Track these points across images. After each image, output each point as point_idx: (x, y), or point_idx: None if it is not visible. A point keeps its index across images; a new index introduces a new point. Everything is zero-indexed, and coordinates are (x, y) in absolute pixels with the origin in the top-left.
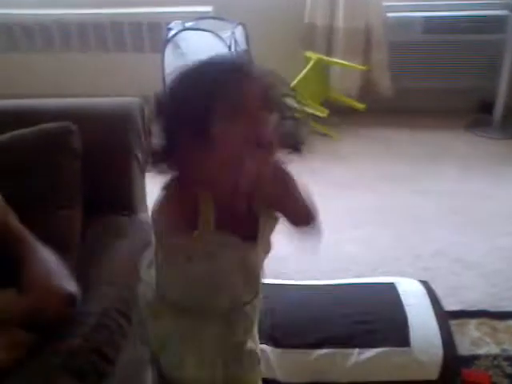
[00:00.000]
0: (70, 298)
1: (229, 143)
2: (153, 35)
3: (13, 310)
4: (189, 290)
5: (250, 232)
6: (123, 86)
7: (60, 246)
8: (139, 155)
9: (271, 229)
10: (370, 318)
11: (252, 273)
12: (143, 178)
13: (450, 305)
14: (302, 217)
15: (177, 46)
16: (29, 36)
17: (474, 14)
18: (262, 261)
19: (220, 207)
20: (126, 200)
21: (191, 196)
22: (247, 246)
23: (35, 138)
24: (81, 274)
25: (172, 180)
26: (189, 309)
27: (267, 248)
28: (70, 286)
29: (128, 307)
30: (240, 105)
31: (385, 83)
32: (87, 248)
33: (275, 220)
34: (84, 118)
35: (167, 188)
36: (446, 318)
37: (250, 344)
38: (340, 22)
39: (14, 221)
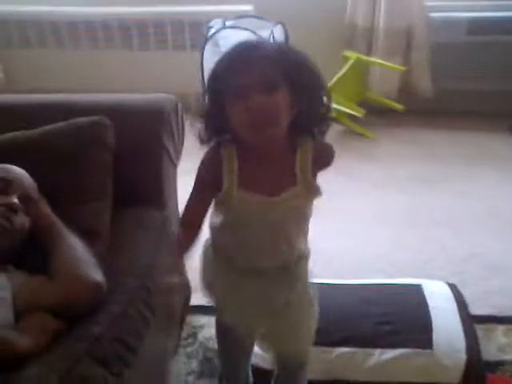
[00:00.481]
0: (96, 287)
1: (236, 111)
2: (194, 33)
3: (42, 297)
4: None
5: (276, 188)
6: (163, 83)
7: (89, 236)
8: (171, 151)
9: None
10: (393, 318)
11: (283, 228)
12: (174, 173)
13: (479, 309)
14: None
15: (216, 44)
16: (74, 33)
17: None
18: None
19: (244, 165)
20: (156, 194)
21: (217, 156)
22: (273, 201)
23: (69, 132)
24: (108, 264)
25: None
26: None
27: (311, 190)
28: (97, 274)
29: (152, 298)
30: (237, 89)
31: (424, 84)
32: (115, 239)
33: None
34: (118, 113)
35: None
36: (472, 322)
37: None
38: (381, 23)
39: (45, 209)
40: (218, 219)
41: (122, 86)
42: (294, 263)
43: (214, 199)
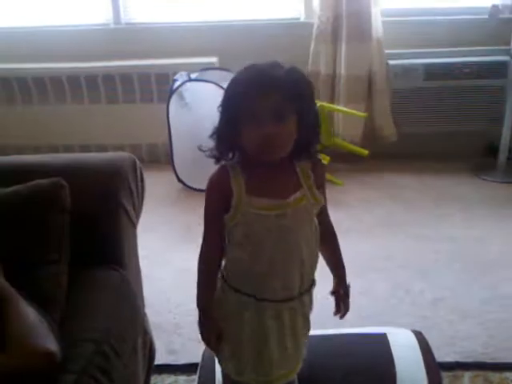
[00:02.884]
0: (50, 357)
1: (248, 132)
2: (161, 86)
3: None
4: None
5: (284, 193)
6: (132, 135)
7: (45, 302)
8: (130, 210)
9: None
10: (359, 370)
11: (297, 244)
12: (134, 232)
13: (445, 355)
14: (329, 227)
15: (181, 97)
16: (42, 89)
17: (474, 61)
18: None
19: (251, 177)
20: (114, 255)
21: (224, 174)
22: (284, 203)
23: (27, 194)
24: (63, 330)
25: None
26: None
27: (315, 192)
28: (51, 343)
29: (109, 363)
30: (251, 115)
31: (389, 129)
32: (72, 302)
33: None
34: (75, 173)
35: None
36: (437, 370)
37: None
38: (342, 70)
39: None
40: (229, 249)
41: (91, 139)
42: (308, 289)
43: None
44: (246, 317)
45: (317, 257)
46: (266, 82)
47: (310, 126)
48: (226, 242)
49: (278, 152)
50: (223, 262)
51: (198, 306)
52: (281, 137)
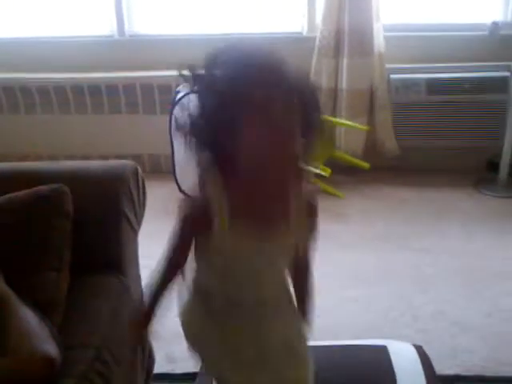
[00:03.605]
0: (50, 361)
1: (254, 134)
2: (164, 97)
3: None
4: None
5: (268, 225)
6: (134, 146)
7: (45, 307)
8: (131, 217)
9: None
10: (360, 382)
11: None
12: (135, 240)
13: (446, 369)
14: (302, 264)
15: (184, 108)
16: (45, 98)
17: (475, 76)
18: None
19: (234, 198)
20: (115, 261)
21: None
22: (266, 236)
23: (28, 200)
24: (63, 336)
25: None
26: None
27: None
28: (51, 348)
29: (108, 370)
30: (259, 100)
31: (390, 143)
32: (72, 308)
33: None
34: (77, 181)
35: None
36: (437, 383)
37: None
38: (344, 84)
39: None
40: (201, 261)
41: (94, 149)
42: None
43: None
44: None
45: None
46: (271, 78)
47: (310, 139)
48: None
49: (284, 168)
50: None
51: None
52: (290, 128)
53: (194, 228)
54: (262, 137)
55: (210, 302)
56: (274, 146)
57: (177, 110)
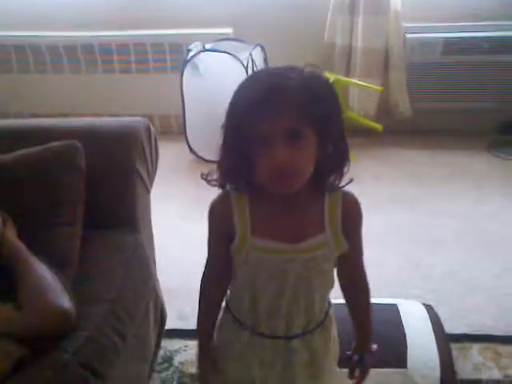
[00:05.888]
0: (65, 315)
1: (258, 160)
2: (175, 56)
3: (9, 325)
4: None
5: (299, 235)
6: (145, 106)
7: (59, 262)
8: (144, 175)
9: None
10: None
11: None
12: (148, 197)
13: (454, 328)
14: (356, 278)
15: (195, 67)
16: (56, 57)
17: (493, 36)
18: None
19: (258, 211)
20: (128, 218)
21: (226, 205)
22: (295, 248)
23: (41, 156)
24: (77, 290)
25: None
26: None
27: (340, 240)
28: (66, 302)
29: (122, 324)
30: (261, 135)
31: (403, 104)
32: (85, 264)
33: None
34: (90, 137)
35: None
36: (446, 341)
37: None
38: (359, 42)
39: (11, 236)
40: (234, 280)
41: (104, 109)
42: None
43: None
44: (236, 350)
45: (326, 300)
46: (276, 98)
47: (336, 144)
48: (233, 269)
49: (293, 183)
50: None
51: (196, 331)
52: (297, 163)
53: (222, 227)
54: (268, 160)
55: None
56: (279, 166)
57: (188, 69)
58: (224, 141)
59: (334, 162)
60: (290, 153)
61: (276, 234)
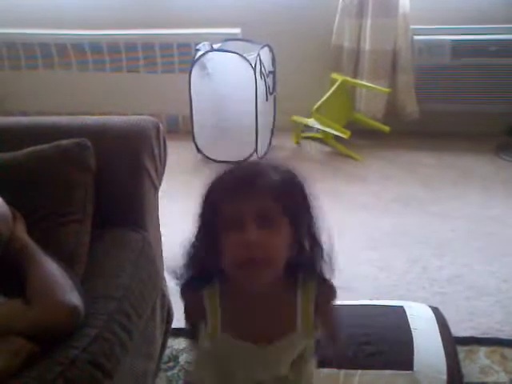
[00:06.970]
0: (74, 311)
1: (226, 243)
2: (183, 56)
3: (18, 321)
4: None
5: (269, 335)
6: (152, 105)
7: (68, 259)
8: (152, 173)
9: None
10: (375, 339)
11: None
12: (156, 195)
13: (461, 331)
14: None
15: (203, 67)
16: (64, 55)
17: (502, 38)
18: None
19: (230, 306)
20: (136, 216)
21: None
22: (263, 351)
23: (51, 154)
24: (86, 287)
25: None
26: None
27: (312, 335)
28: (75, 298)
29: (129, 321)
30: (233, 217)
31: (411, 106)
32: (94, 261)
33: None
34: (100, 135)
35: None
36: (453, 343)
37: None
38: (367, 44)
39: (21, 233)
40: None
41: (112, 108)
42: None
43: None
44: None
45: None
46: (251, 182)
47: (309, 235)
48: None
49: (264, 270)
50: None
51: None
52: (268, 244)
53: (196, 315)
54: (236, 246)
55: None
56: (249, 248)
57: (196, 69)
58: (198, 225)
59: (308, 258)
60: (261, 233)
61: (246, 335)
